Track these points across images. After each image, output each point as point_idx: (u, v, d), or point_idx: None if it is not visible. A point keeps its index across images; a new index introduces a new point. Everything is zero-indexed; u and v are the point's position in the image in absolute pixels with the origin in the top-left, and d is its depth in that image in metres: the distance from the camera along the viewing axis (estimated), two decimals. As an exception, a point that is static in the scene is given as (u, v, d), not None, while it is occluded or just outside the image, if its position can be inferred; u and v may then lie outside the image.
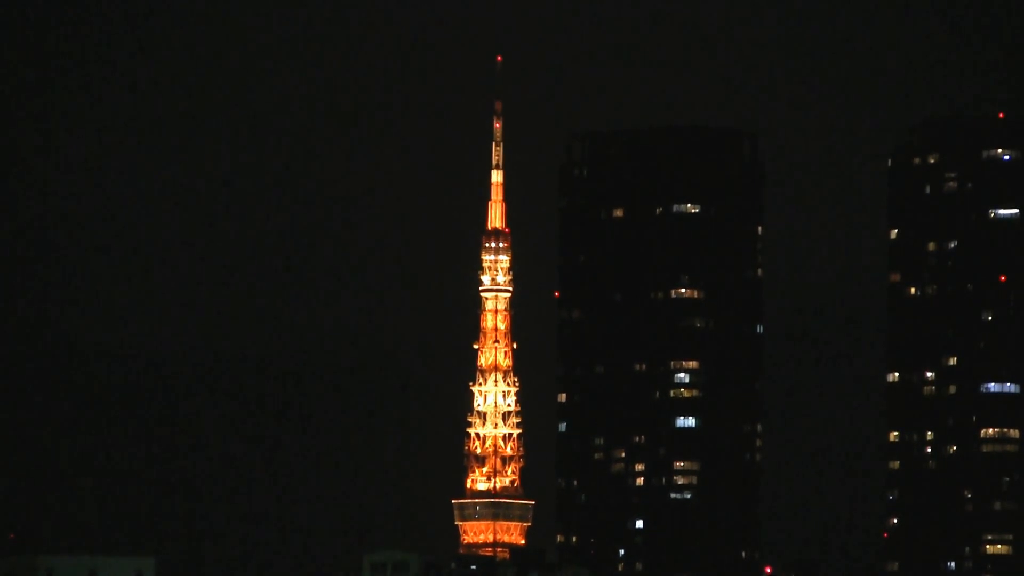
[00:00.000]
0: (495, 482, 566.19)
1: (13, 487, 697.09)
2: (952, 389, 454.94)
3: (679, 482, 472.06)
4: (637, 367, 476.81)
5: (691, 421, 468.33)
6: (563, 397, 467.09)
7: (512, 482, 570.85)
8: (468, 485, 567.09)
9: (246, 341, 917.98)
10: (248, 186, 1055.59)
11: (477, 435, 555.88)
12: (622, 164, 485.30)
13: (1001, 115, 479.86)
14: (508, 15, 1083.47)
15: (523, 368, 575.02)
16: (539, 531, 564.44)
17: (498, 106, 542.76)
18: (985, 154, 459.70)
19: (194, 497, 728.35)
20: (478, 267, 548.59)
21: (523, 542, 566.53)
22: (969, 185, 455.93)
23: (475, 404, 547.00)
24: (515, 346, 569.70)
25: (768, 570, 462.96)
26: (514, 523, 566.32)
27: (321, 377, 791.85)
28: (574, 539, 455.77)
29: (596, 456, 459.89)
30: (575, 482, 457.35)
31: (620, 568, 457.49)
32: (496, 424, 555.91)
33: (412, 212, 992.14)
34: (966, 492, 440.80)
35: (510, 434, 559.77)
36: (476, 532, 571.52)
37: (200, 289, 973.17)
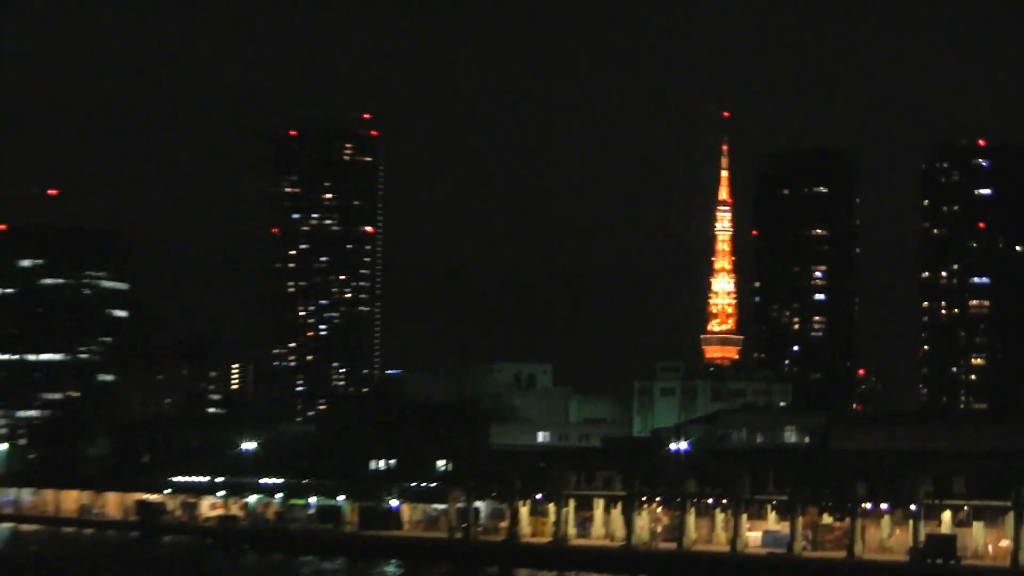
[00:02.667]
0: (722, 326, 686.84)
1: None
2: None
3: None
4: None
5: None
6: (757, 284, 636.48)
7: (729, 327, 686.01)
8: (708, 328, 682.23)
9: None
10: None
11: (714, 303, 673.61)
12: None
13: None
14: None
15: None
16: (746, 353, 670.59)
17: (724, 147, 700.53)
18: None
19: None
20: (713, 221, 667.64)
21: (737, 357, 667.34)
22: None
23: (713, 287, 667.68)
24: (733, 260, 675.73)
25: None
26: (732, 347, 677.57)
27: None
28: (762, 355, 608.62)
29: (772, 315, 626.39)
30: (763, 327, 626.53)
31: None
32: (722, 296, 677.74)
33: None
34: None
35: (730, 303, 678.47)
36: (712, 352, 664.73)
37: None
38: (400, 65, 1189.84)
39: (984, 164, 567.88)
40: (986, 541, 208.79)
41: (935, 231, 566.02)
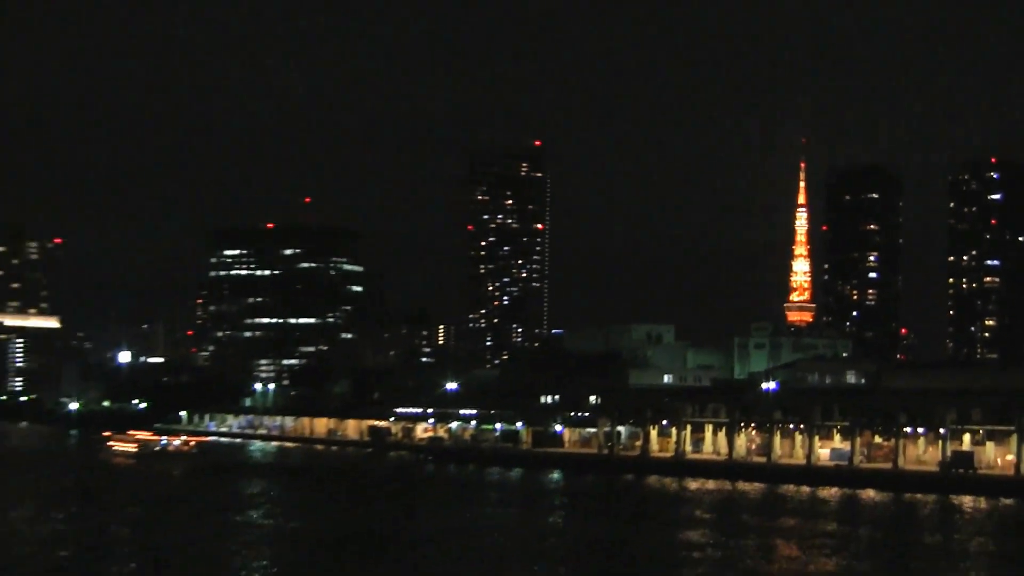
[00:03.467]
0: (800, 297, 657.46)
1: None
2: None
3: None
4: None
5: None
6: (826, 266, 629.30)
7: (805, 298, 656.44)
8: (789, 298, 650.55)
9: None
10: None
11: (794, 280, 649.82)
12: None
13: None
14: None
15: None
16: (818, 317, 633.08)
17: (803, 164, 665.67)
18: None
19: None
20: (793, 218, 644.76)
21: (811, 320, 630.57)
22: None
23: (794, 268, 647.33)
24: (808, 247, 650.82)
25: None
26: (807, 312, 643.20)
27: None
28: (830, 319, 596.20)
29: (837, 288, 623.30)
30: (830, 298, 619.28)
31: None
32: (800, 275, 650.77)
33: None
34: None
35: (806, 280, 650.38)
36: (792, 316, 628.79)
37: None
38: (564, 92, 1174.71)
39: (995, 176, 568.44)
40: (996, 456, 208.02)
41: (959, 226, 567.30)
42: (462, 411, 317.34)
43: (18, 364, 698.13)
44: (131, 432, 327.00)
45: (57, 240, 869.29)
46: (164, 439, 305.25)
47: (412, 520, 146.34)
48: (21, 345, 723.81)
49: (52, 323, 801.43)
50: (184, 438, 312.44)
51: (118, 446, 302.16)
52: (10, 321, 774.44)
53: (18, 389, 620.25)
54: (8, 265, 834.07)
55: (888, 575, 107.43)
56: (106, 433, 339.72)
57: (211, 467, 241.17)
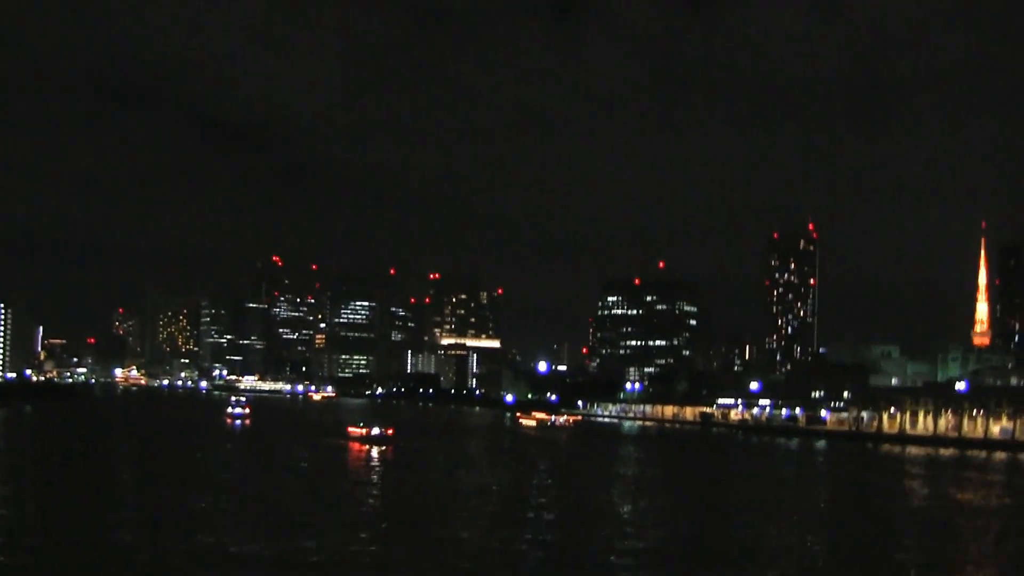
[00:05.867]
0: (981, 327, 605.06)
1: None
2: None
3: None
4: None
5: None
6: (999, 306, 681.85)
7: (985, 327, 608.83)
8: (974, 329, 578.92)
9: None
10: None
11: (977, 315, 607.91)
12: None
13: None
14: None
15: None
16: (993, 341, 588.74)
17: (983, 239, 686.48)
18: None
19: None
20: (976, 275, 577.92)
21: (988, 343, 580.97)
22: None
23: (977, 308, 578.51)
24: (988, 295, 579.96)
25: None
26: (986, 337, 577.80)
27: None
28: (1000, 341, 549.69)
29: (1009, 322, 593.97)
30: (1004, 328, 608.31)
31: None
32: (981, 313, 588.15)
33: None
34: None
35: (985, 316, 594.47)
36: (976, 341, 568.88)
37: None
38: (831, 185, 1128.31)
39: None
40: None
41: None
42: (760, 401, 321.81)
43: (475, 371, 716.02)
44: (534, 412, 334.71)
45: (499, 290, 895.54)
46: (553, 417, 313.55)
47: (724, 467, 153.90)
48: (476, 357, 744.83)
49: (495, 343, 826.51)
50: (566, 417, 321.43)
51: (524, 420, 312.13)
52: (470, 343, 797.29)
53: (474, 387, 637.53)
54: (468, 307, 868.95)
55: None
56: (517, 413, 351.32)
57: (584, 434, 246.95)
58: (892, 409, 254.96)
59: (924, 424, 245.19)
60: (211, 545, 62.14)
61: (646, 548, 68.34)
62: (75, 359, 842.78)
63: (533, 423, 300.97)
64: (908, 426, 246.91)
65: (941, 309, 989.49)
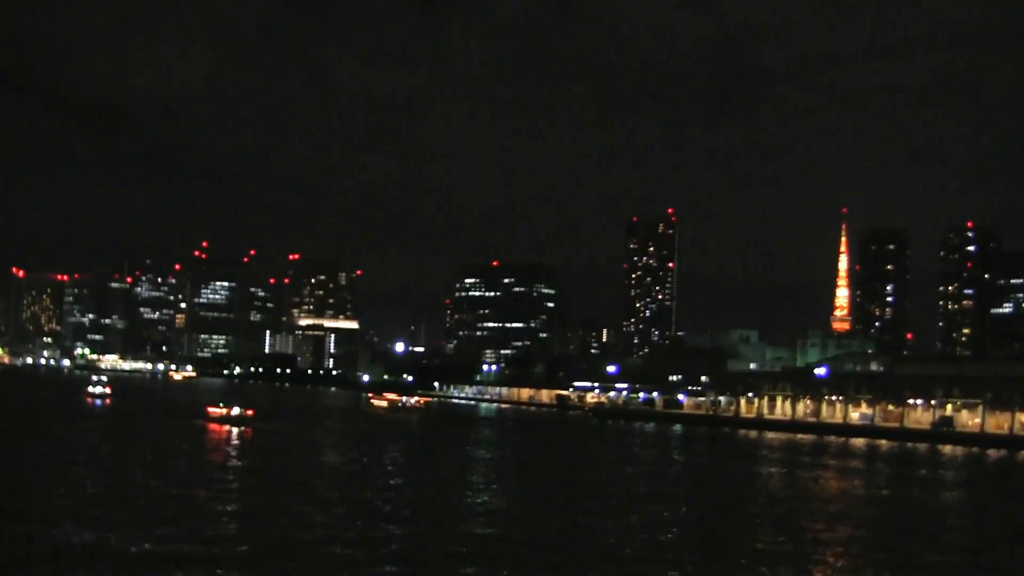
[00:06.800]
0: (841, 311, 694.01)
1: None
2: None
3: None
4: None
5: None
6: (859, 292, 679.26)
7: (845, 312, 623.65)
8: (834, 312, 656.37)
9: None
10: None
11: (837, 300, 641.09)
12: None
13: None
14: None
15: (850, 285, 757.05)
16: (853, 327, 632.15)
17: (844, 225, 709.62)
18: None
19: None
20: (837, 259, 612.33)
21: (848, 327, 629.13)
22: None
23: (837, 294, 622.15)
24: (848, 280, 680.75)
25: None
26: (846, 323, 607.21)
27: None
28: (860, 327, 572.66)
29: (867, 307, 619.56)
30: (861, 314, 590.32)
31: None
32: (841, 298, 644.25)
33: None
34: None
35: (845, 301, 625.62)
36: (836, 325, 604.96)
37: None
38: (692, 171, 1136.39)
39: (970, 235, 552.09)
40: (968, 419, 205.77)
41: (947, 268, 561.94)
42: (617, 385, 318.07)
43: (332, 352, 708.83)
44: (384, 393, 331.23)
45: (358, 272, 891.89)
46: (404, 398, 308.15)
47: (581, 451, 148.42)
48: (334, 338, 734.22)
49: (354, 324, 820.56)
50: (417, 399, 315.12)
51: (375, 401, 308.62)
52: (328, 323, 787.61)
53: (332, 368, 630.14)
54: (327, 288, 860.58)
55: (892, 492, 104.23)
56: (369, 394, 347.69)
57: (435, 417, 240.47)
58: (750, 394, 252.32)
59: (782, 409, 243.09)
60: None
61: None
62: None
63: (384, 404, 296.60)
64: (766, 411, 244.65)
65: (802, 296, 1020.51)
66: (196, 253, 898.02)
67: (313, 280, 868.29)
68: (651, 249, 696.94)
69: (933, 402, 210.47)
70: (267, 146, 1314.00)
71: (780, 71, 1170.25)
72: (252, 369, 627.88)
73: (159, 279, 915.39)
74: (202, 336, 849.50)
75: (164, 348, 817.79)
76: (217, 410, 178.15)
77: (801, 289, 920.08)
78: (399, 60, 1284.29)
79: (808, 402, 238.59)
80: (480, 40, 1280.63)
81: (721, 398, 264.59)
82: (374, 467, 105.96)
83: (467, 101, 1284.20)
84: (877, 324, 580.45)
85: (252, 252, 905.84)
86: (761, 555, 60.06)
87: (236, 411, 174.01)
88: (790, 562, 58.10)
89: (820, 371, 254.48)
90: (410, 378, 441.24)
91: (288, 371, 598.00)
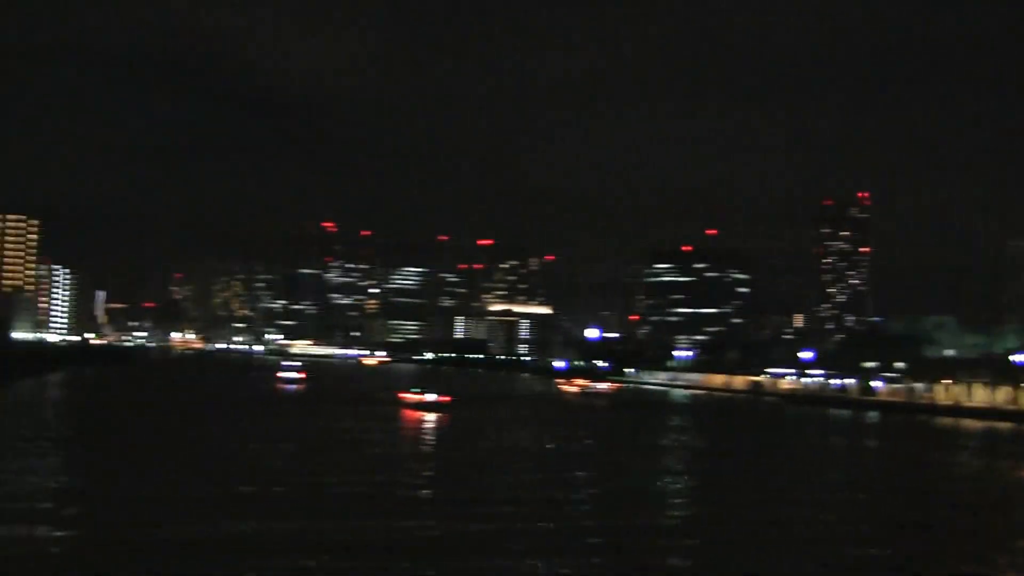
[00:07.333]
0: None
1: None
2: None
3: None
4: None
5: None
6: None
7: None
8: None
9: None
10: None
11: None
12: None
13: None
14: None
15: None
16: None
17: None
18: None
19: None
20: None
21: None
22: None
23: None
24: None
25: None
26: None
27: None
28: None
29: None
30: None
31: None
32: None
33: None
34: None
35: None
36: None
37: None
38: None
39: None
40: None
41: None
42: (811, 371, 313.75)
43: (524, 337, 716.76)
44: (574, 379, 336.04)
45: (549, 257, 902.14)
46: (594, 384, 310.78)
47: (774, 437, 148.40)
48: (527, 325, 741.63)
49: (545, 310, 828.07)
50: (607, 384, 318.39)
51: (566, 387, 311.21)
52: (520, 309, 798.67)
53: (524, 353, 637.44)
54: (518, 273, 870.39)
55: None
56: (559, 380, 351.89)
57: (626, 403, 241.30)
58: (948, 380, 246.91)
59: (980, 396, 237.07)
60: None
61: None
62: (134, 323, 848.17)
63: (575, 389, 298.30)
64: (964, 398, 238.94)
65: (1002, 281, 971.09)
66: (387, 239, 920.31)
67: (504, 265, 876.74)
68: (844, 233, 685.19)
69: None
70: (453, 131, 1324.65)
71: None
72: (444, 354, 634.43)
73: (350, 265, 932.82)
74: (393, 322, 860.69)
75: (355, 334, 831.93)
76: (411, 396, 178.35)
77: (1003, 274, 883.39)
78: (575, 42, 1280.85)
79: (1008, 389, 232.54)
80: (657, 20, 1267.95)
81: (918, 384, 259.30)
82: (565, 453, 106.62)
83: (647, 83, 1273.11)
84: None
85: (442, 238, 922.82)
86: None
87: (431, 397, 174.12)
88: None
89: (1020, 358, 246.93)
90: (603, 364, 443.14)
91: (480, 356, 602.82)
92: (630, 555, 51.78)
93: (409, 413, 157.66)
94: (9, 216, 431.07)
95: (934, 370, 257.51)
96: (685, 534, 58.70)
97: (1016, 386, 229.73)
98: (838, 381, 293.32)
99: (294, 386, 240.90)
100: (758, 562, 51.67)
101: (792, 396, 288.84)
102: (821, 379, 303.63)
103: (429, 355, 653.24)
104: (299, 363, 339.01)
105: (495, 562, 48.17)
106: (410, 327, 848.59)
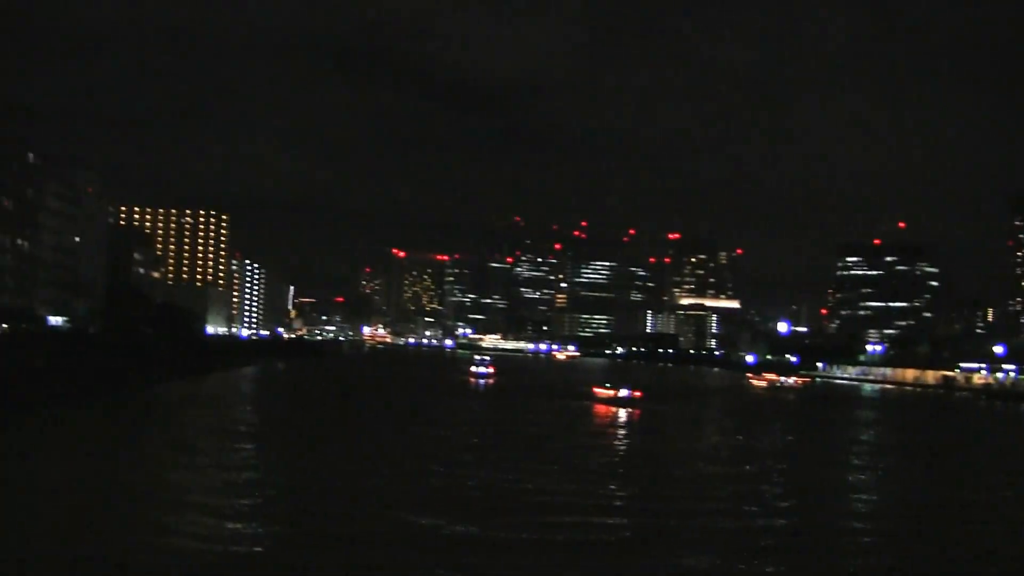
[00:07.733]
0: None
1: None
2: None
3: None
4: None
5: None
6: None
7: None
8: None
9: None
10: None
11: None
12: None
13: None
14: None
15: None
16: None
17: None
18: None
19: None
20: None
21: None
22: None
23: None
24: None
25: None
26: None
27: None
28: None
29: None
30: None
31: None
32: None
33: None
34: None
35: None
36: None
37: None
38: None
39: None
40: None
41: None
42: (1005, 366, 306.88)
43: (714, 331, 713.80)
44: (764, 373, 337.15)
45: (738, 251, 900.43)
46: (783, 378, 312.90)
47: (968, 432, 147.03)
48: (715, 319, 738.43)
49: (734, 304, 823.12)
50: (796, 378, 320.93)
51: (755, 381, 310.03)
52: (709, 303, 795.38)
53: (713, 347, 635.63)
54: (707, 267, 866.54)
55: None
56: (749, 374, 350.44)
57: (816, 397, 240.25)
58: None
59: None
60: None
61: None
62: (324, 317, 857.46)
63: (764, 384, 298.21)
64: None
65: None
66: (575, 233, 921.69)
67: (693, 259, 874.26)
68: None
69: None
70: (638, 125, 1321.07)
71: None
72: (633, 349, 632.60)
73: (539, 259, 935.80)
74: (582, 316, 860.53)
75: (544, 327, 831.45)
76: (604, 391, 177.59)
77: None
78: (753, 34, 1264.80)
79: None
80: (839, 9, 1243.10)
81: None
82: (755, 448, 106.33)
83: (828, 73, 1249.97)
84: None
85: (631, 232, 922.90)
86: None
87: (624, 392, 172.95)
88: None
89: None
90: (793, 358, 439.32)
91: (670, 351, 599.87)
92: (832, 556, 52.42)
93: (601, 408, 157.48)
94: (201, 211, 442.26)
95: None
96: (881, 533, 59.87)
97: None
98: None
99: (484, 381, 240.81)
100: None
101: (986, 391, 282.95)
102: (1015, 374, 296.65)
103: (619, 349, 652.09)
104: (488, 357, 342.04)
105: (694, 562, 49.12)
106: (599, 321, 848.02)
